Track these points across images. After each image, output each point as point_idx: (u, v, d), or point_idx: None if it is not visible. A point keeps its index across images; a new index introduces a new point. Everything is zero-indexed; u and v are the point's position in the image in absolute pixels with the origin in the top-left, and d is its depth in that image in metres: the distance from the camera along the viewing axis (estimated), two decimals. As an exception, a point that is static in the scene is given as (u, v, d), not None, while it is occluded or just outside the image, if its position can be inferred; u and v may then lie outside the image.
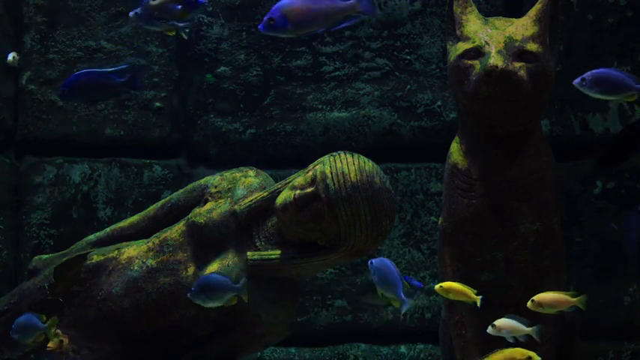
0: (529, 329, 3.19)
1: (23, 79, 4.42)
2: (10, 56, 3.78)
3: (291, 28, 3.07)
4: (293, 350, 4.40)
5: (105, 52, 4.42)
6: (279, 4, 3.09)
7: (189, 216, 3.55)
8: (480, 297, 3.23)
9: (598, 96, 3.19)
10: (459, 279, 3.44)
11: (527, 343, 3.28)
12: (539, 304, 3.20)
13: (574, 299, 3.20)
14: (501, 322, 3.21)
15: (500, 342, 3.49)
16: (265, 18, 3.08)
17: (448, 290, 3.26)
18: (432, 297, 4.38)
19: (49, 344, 3.49)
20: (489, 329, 3.20)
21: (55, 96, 4.17)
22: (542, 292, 3.29)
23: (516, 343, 3.22)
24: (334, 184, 3.30)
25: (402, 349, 4.39)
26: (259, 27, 3.10)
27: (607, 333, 4.26)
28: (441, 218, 3.54)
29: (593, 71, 3.21)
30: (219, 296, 3.26)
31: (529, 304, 3.21)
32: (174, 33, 3.32)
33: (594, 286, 4.22)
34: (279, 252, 3.40)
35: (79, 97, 3.63)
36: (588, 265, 4.30)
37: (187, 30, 3.30)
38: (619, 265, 4.30)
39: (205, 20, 4.40)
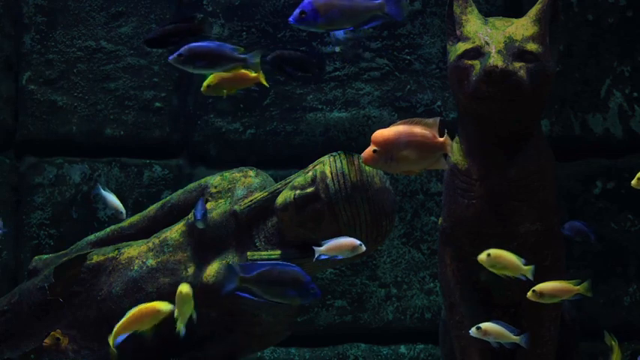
0: (516, 337, 3.09)
1: (23, 79, 4.42)
2: None
3: (321, 22, 3.07)
4: (293, 350, 4.40)
5: (105, 52, 4.42)
6: None
7: (189, 216, 3.55)
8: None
9: (199, 71, 3.09)
10: (460, 279, 3.44)
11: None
12: (540, 293, 3.13)
13: (576, 287, 3.15)
14: (488, 325, 3.11)
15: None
16: (296, 11, 3.05)
17: None
18: (432, 297, 4.38)
19: (45, 340, 3.49)
20: (473, 331, 3.11)
21: None
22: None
23: (501, 348, 3.14)
24: (334, 184, 3.30)
25: (402, 349, 4.39)
26: (289, 19, 3.08)
27: (607, 333, 4.27)
28: (441, 218, 3.54)
29: (190, 45, 3.08)
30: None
31: (529, 294, 3.13)
32: None
33: (594, 286, 4.21)
34: (279, 252, 3.40)
35: None
36: (588, 265, 4.30)
37: None
38: (619, 265, 4.30)
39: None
